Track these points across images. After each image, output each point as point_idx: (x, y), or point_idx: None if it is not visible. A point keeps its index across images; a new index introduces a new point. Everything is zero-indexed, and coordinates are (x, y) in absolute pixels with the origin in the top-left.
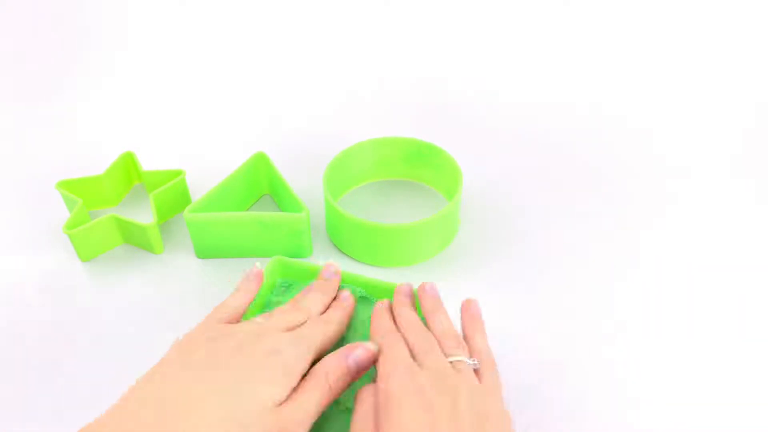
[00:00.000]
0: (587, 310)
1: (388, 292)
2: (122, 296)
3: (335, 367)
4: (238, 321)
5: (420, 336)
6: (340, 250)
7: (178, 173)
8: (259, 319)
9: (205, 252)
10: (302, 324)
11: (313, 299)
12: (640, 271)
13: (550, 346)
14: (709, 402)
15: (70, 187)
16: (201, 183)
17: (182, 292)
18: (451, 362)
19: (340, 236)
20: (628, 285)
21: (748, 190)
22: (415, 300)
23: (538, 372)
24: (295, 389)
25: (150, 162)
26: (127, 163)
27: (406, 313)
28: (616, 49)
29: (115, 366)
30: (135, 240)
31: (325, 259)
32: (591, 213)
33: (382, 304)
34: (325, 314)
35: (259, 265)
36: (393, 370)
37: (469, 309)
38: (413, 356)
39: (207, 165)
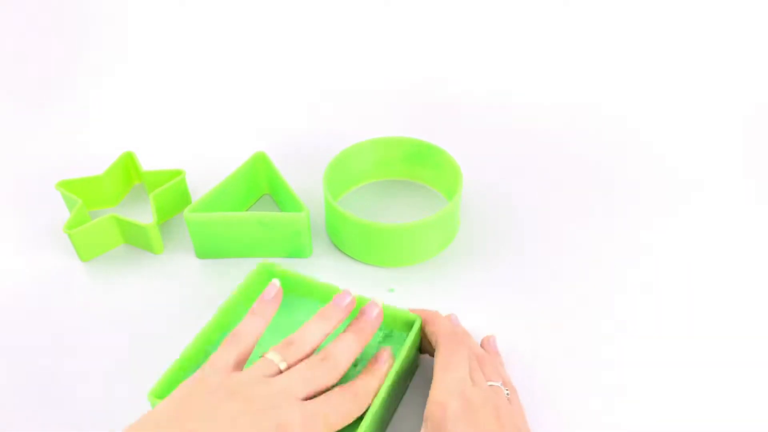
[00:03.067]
0: (587, 310)
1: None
2: (122, 296)
3: None
4: (249, 354)
5: (475, 353)
6: (340, 250)
7: (178, 173)
8: (275, 359)
9: (205, 252)
10: (325, 388)
11: (346, 349)
12: (641, 272)
13: (550, 345)
14: (710, 402)
15: (70, 187)
16: (201, 183)
17: (182, 292)
18: (490, 386)
19: (340, 236)
20: (629, 285)
21: (748, 191)
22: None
23: (537, 371)
24: None
25: (150, 162)
26: (127, 163)
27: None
28: (617, 49)
29: (115, 365)
30: (135, 240)
31: (325, 260)
32: (591, 213)
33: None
34: (357, 384)
35: (278, 282)
36: (456, 385)
37: (489, 343)
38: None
39: (207, 165)
